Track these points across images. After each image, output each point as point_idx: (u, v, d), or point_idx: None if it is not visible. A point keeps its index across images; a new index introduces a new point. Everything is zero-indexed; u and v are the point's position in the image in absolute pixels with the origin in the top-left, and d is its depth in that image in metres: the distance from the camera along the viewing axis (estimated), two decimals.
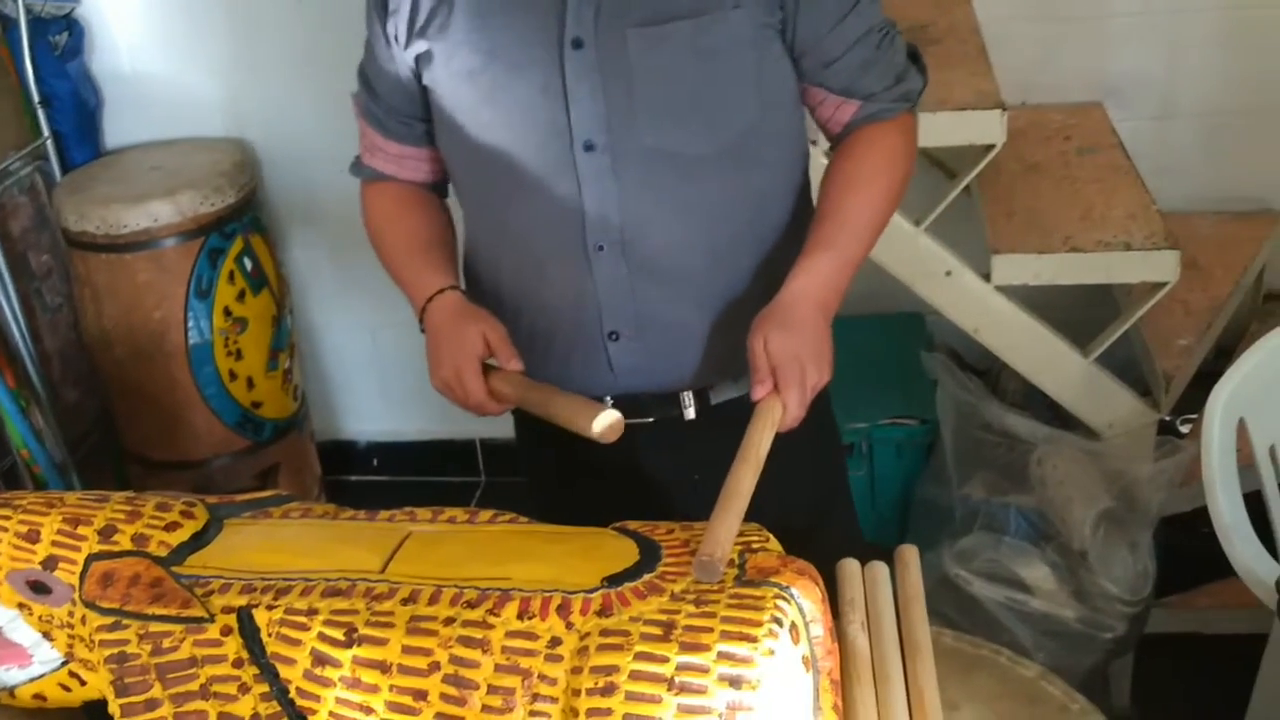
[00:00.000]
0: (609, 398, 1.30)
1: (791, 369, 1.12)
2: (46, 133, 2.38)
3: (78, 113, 2.42)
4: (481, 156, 1.25)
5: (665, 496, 1.31)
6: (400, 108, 1.32)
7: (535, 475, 1.51)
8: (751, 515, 1.02)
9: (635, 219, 1.22)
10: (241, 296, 2.34)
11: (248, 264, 2.34)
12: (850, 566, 1.10)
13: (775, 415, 1.11)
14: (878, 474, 2.21)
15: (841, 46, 1.23)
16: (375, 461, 2.89)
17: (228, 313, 2.31)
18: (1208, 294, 2.11)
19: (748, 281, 1.27)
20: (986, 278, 1.84)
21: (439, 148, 1.32)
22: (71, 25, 2.41)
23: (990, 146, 1.82)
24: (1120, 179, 1.99)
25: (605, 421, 1.12)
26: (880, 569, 1.10)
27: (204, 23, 2.43)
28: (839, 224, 1.22)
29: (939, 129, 1.77)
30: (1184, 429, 2.15)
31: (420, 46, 1.24)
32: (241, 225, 2.33)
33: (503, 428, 2.73)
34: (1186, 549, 1.90)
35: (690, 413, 1.31)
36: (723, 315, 1.26)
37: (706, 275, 1.26)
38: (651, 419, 1.31)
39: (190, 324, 2.27)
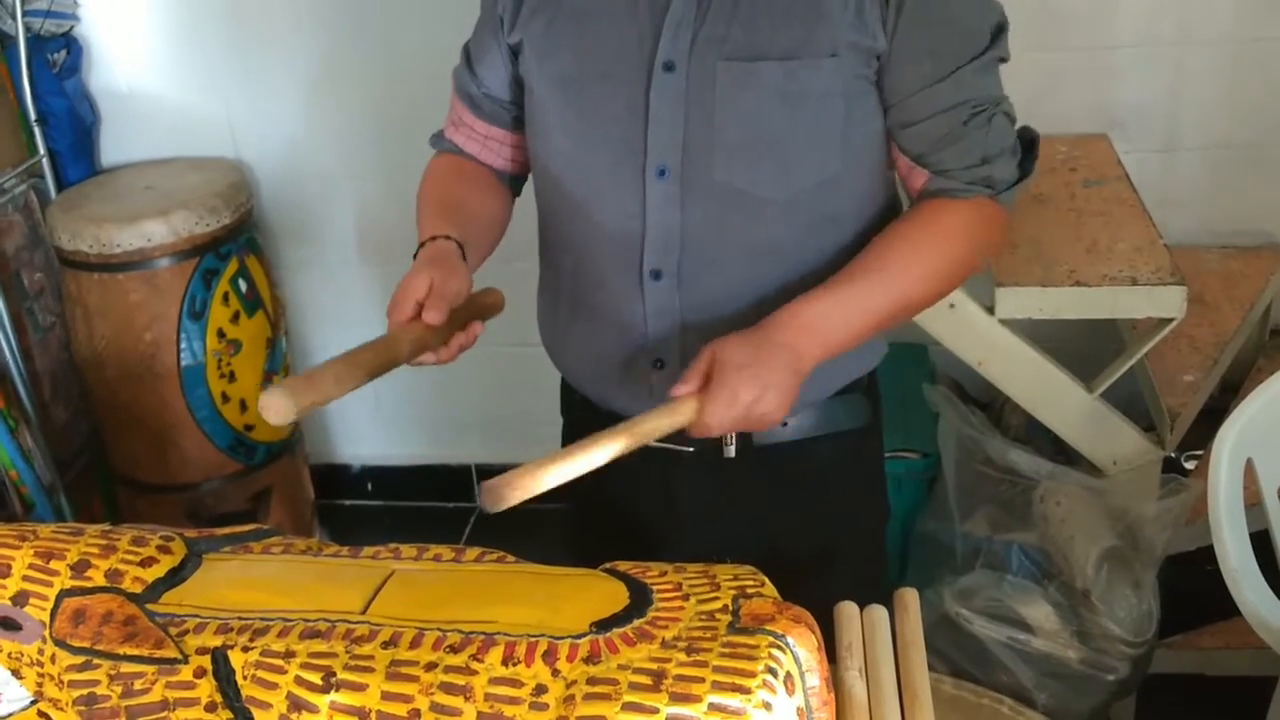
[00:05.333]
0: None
1: (726, 379, 1.07)
2: (42, 150, 2.36)
3: (74, 131, 2.40)
4: (558, 158, 1.25)
5: (695, 528, 1.29)
6: (496, 90, 1.31)
7: (575, 493, 1.49)
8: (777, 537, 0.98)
9: (694, 253, 1.20)
10: (236, 318, 2.31)
11: (242, 285, 2.32)
12: (848, 610, 1.06)
13: (685, 413, 1.06)
14: None
15: (924, 112, 1.16)
16: (369, 486, 2.86)
17: (221, 334, 2.29)
18: (1214, 330, 2.08)
19: None
20: (990, 310, 1.81)
21: (526, 136, 1.31)
22: (70, 43, 2.40)
23: None
24: (1126, 212, 1.96)
25: (266, 397, 1.04)
26: (879, 613, 1.06)
27: (202, 43, 2.42)
28: (853, 276, 1.16)
29: None
30: (1189, 466, 2.13)
31: (519, 36, 1.24)
32: (237, 246, 2.31)
33: (498, 454, 2.74)
34: (1191, 588, 1.87)
35: (731, 450, 1.28)
36: None
37: (757, 320, 1.20)
38: (691, 449, 1.28)
39: (183, 345, 2.24)
